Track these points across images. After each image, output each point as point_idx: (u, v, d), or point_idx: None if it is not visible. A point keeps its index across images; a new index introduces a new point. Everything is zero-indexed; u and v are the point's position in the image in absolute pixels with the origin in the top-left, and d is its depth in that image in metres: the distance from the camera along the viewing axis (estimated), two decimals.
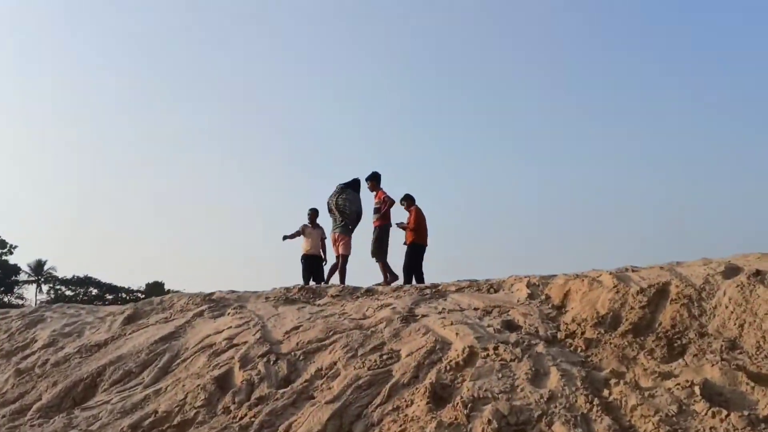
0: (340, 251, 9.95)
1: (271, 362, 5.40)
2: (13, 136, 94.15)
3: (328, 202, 10.18)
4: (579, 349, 4.89)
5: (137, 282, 65.23)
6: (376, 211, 9.81)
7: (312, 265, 10.31)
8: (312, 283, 9.74)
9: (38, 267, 58.37)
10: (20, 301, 55.68)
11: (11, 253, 54.47)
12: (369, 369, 4.90)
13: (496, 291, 6.90)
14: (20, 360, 6.92)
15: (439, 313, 5.90)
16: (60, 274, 58.60)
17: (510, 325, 5.43)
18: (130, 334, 6.93)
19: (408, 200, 10.40)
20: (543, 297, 6.13)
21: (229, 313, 7.07)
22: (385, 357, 5.06)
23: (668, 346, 4.74)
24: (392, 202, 9.74)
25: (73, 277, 57.99)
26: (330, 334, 5.75)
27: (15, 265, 55.04)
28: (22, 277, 57.26)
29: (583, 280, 5.90)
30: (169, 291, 59.69)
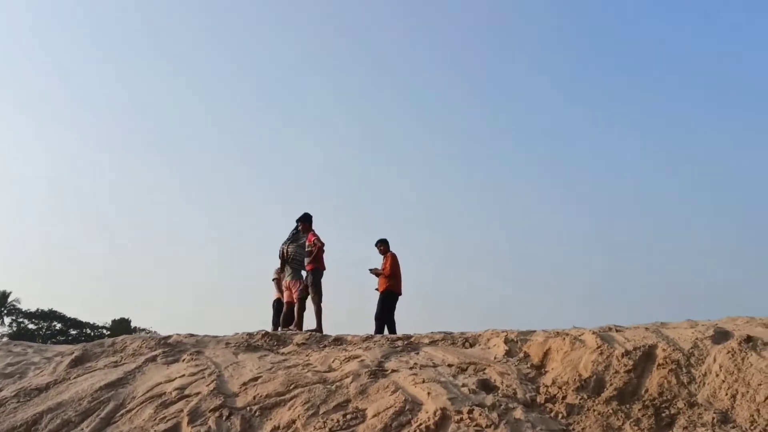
0: (295, 296, 9.52)
1: (224, 417, 4.91)
2: None
3: (281, 249, 9.76)
4: (560, 416, 4.49)
5: (103, 318, 63.42)
6: (308, 254, 9.46)
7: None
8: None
9: (2, 298, 56.56)
10: None
11: None
12: (330, 430, 4.44)
13: (471, 345, 6.51)
14: None
15: (411, 368, 5.48)
16: (24, 306, 56.83)
17: (486, 386, 5.02)
18: (74, 378, 6.37)
19: (383, 245, 10.06)
20: (521, 355, 5.75)
21: (184, 360, 6.56)
22: (349, 417, 4.60)
23: (656, 415, 4.37)
24: (322, 245, 9.39)
25: (37, 310, 56.27)
26: (291, 387, 5.28)
27: None
28: None
29: (564, 339, 5.54)
30: (135, 329, 58.30)
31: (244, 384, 5.54)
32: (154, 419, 5.08)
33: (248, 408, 5.05)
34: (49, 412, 5.53)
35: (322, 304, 9.29)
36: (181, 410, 5.12)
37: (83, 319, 56.76)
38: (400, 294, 9.84)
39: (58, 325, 56.56)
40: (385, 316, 9.67)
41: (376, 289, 9.74)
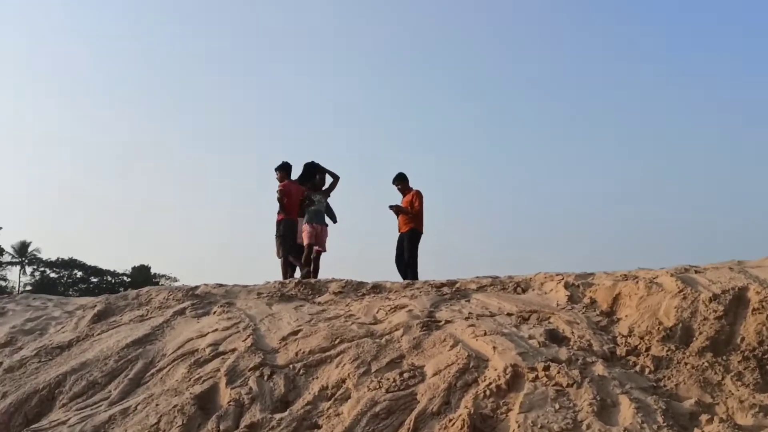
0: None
1: (265, 377, 4.43)
2: None
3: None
4: (647, 370, 3.96)
5: (123, 265, 63.97)
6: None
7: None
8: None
9: (22, 248, 57.08)
10: (2, 283, 54.48)
11: None
12: (387, 391, 3.94)
13: (524, 290, 5.97)
14: None
15: (466, 318, 4.96)
16: (44, 256, 57.32)
17: (555, 337, 4.49)
18: (98, 334, 5.94)
19: (403, 181, 9.43)
20: (586, 301, 5.20)
21: (215, 312, 6.09)
22: (406, 375, 4.10)
23: (759, 368, 3.82)
24: (279, 192, 9.01)
25: (58, 259, 56.81)
26: (336, 342, 4.79)
27: None
28: (6, 258, 56.00)
29: (637, 283, 4.97)
30: (155, 275, 58.79)
31: (284, 339, 5.06)
32: (189, 379, 4.63)
33: (291, 366, 4.57)
34: (73, 372, 5.10)
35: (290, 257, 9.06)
36: (218, 369, 4.65)
37: (103, 266, 57.20)
38: (423, 233, 9.33)
39: (79, 274, 57.14)
40: (413, 258, 9.16)
41: (400, 231, 9.16)
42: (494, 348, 4.18)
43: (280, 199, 8.96)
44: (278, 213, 9.09)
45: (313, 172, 9.32)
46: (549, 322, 4.77)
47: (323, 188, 9.33)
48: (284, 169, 9.24)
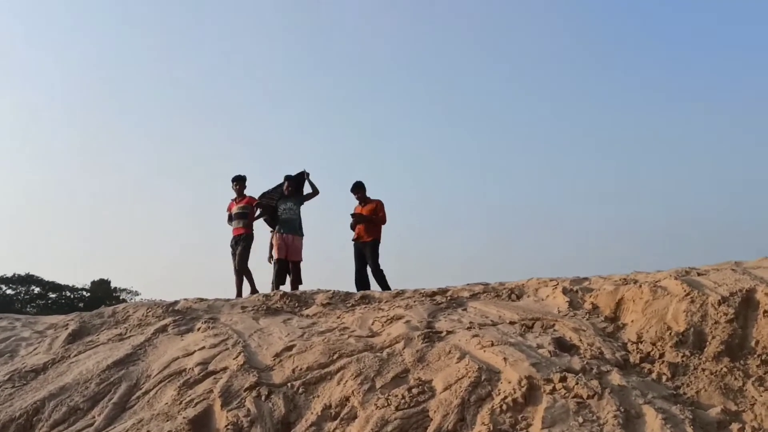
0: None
1: (263, 398, 4.18)
2: None
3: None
4: (664, 378, 3.84)
5: (81, 280, 62.14)
6: (244, 216, 8.91)
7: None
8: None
9: None
10: None
11: None
12: (397, 408, 3.74)
13: (518, 297, 5.85)
14: None
15: (468, 328, 4.79)
16: (0, 272, 55.30)
17: (563, 345, 4.35)
18: (75, 355, 5.59)
19: (363, 189, 9.20)
20: (587, 306, 5.09)
21: (199, 329, 5.79)
22: (414, 391, 3.90)
23: None
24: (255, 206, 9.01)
25: (14, 275, 54.71)
26: (334, 357, 4.56)
27: None
28: None
29: (641, 287, 4.87)
30: (116, 289, 57.13)
31: (277, 355, 4.81)
32: (179, 402, 4.34)
33: (289, 384, 4.33)
34: (52, 398, 4.76)
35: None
36: (210, 390, 4.37)
37: (61, 281, 55.47)
38: None
39: (37, 289, 55.09)
40: (379, 267, 8.96)
41: (359, 240, 8.91)
42: (505, 359, 4.01)
43: (249, 214, 8.74)
44: (240, 226, 8.78)
45: (302, 181, 9.06)
46: (554, 330, 4.63)
47: (302, 196, 9.06)
48: (244, 180, 8.96)
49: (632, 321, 4.64)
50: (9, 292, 54.56)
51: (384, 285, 8.42)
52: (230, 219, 8.88)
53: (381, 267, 8.80)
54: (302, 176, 9.05)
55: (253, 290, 8.45)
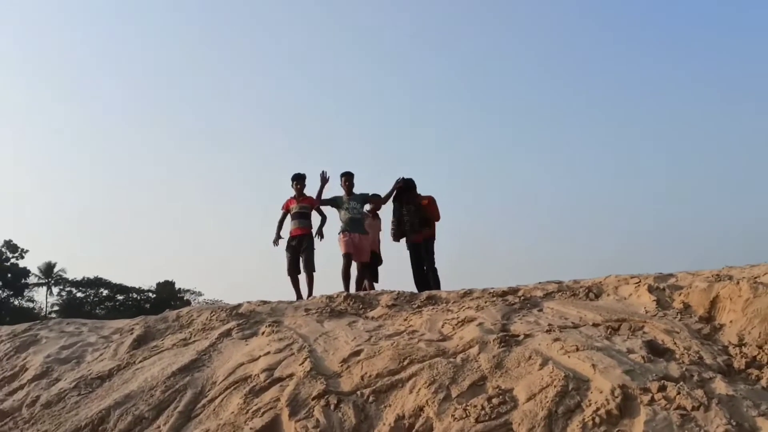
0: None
1: (332, 407, 3.96)
2: (17, 138, 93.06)
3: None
4: None
5: (147, 281, 64.08)
6: (306, 216, 8.71)
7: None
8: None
9: (48, 269, 57.36)
10: (30, 304, 54.78)
11: (22, 257, 53.78)
12: (477, 421, 3.45)
13: (597, 296, 5.46)
14: (4, 397, 5.52)
15: (548, 331, 4.45)
16: (70, 275, 57.54)
17: (656, 349, 3.97)
18: (140, 362, 5.52)
19: (414, 188, 8.90)
20: (678, 305, 4.67)
21: (263, 333, 5.64)
22: (495, 401, 3.60)
23: None
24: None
25: (83, 278, 56.98)
26: (405, 363, 4.30)
27: (25, 269, 54.19)
28: (32, 280, 56.30)
29: (738, 283, 4.43)
30: (180, 290, 58.76)
31: (344, 361, 4.58)
32: (245, 411, 4.17)
33: (358, 392, 4.10)
34: (117, 406, 4.66)
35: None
36: (277, 398, 4.19)
37: (128, 284, 57.27)
38: None
39: (105, 292, 57.29)
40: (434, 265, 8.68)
41: (414, 241, 8.64)
42: (593, 366, 3.67)
43: (310, 214, 8.62)
44: (303, 226, 8.62)
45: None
46: (644, 332, 4.25)
47: (369, 196, 8.82)
48: (304, 179, 8.79)
49: (731, 321, 4.21)
50: (79, 295, 56.88)
51: (438, 284, 8.16)
52: (290, 217, 8.70)
53: (435, 266, 8.55)
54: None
55: (311, 292, 8.27)
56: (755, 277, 4.49)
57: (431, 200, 8.76)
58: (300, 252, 8.44)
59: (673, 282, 5.19)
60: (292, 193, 8.77)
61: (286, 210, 8.73)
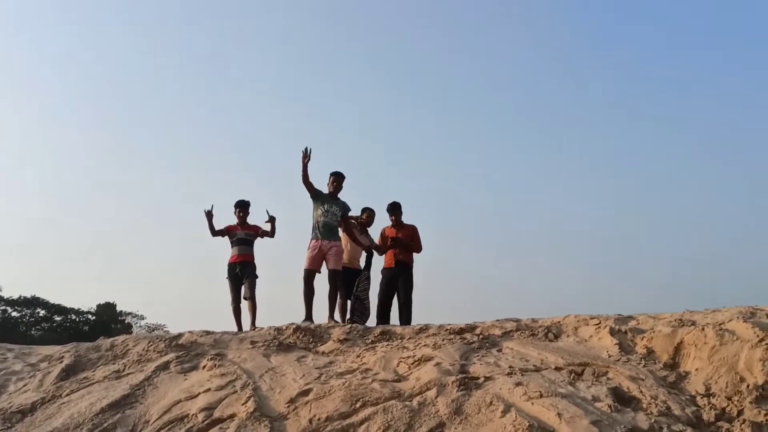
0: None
1: None
2: None
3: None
4: None
5: (87, 303, 61.69)
6: (250, 243, 8.37)
7: (350, 283, 8.14)
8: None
9: None
10: None
11: None
12: None
13: (556, 337, 5.29)
14: None
15: (509, 374, 4.22)
16: (5, 293, 54.94)
17: (621, 398, 3.78)
18: (67, 395, 5.06)
19: (401, 211, 8.62)
20: (641, 350, 4.52)
21: (204, 366, 5.25)
22: None
23: None
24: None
25: (20, 297, 54.35)
26: (357, 405, 4.00)
27: None
28: None
29: (703, 329, 4.30)
30: (121, 313, 56.70)
31: (291, 401, 4.25)
32: None
33: None
34: None
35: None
36: None
37: (67, 304, 54.98)
38: None
39: (42, 312, 54.73)
40: (411, 298, 8.38)
41: (389, 267, 8.30)
42: (559, 415, 3.45)
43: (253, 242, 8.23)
44: (248, 253, 8.22)
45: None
46: (609, 379, 4.07)
47: (348, 216, 8.18)
48: (248, 207, 8.41)
49: (697, 369, 4.07)
50: (14, 314, 54.27)
51: (410, 318, 7.86)
52: (232, 243, 8.24)
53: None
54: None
55: (254, 322, 7.78)
56: (720, 323, 4.37)
57: (415, 229, 8.50)
58: (243, 279, 8.02)
59: (634, 325, 5.05)
60: (234, 220, 8.35)
61: (228, 231, 8.29)
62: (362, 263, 8.42)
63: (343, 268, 7.81)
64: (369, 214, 8.51)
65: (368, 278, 8.15)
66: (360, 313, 7.91)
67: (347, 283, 7.95)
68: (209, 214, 8.11)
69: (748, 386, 3.66)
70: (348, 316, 7.92)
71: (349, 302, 8.07)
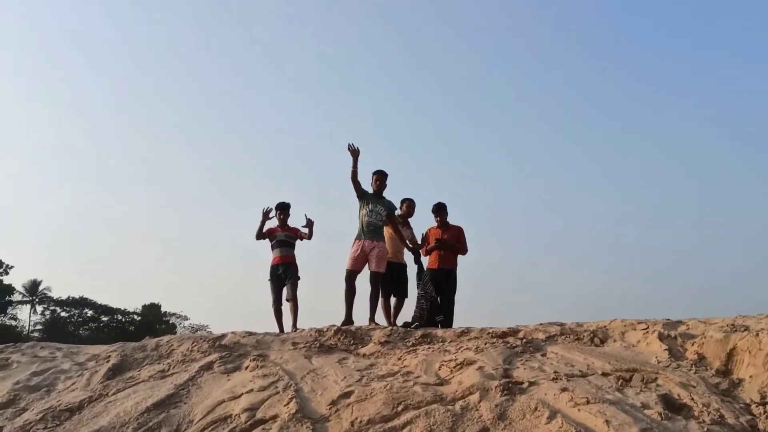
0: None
1: None
2: (6, 152, 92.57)
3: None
4: None
5: (133, 303, 63.18)
6: (291, 245, 8.33)
7: (395, 277, 8.00)
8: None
9: (33, 287, 56.48)
10: (13, 322, 53.77)
11: (7, 273, 52.68)
12: None
13: (602, 342, 5.16)
14: None
15: (554, 380, 4.13)
16: (55, 294, 56.66)
17: (672, 405, 3.67)
18: (114, 393, 5.14)
19: (446, 212, 8.45)
20: (692, 356, 4.37)
21: (247, 367, 5.29)
22: None
23: None
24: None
25: (68, 297, 56.12)
26: (399, 408, 3.97)
27: (9, 285, 53.19)
28: (16, 297, 55.34)
29: (757, 335, 4.14)
30: (165, 313, 57.97)
31: (333, 403, 4.24)
32: None
33: None
34: None
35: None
36: None
37: (113, 305, 56.42)
38: None
39: (90, 312, 56.39)
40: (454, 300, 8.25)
41: (434, 268, 8.11)
42: (607, 422, 3.35)
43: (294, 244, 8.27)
44: (289, 255, 8.22)
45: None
46: (658, 385, 3.95)
47: (394, 215, 8.02)
48: (289, 208, 8.42)
49: (751, 377, 3.92)
50: (63, 314, 55.94)
51: (451, 322, 7.76)
52: (273, 245, 8.26)
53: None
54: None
55: (295, 323, 7.80)
56: None
57: (461, 230, 8.36)
58: (285, 281, 8.04)
59: (684, 330, 4.90)
60: (275, 223, 8.41)
61: (269, 233, 8.34)
62: (407, 258, 8.31)
63: (388, 263, 7.76)
64: (408, 204, 8.40)
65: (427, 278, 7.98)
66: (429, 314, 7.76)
67: (391, 277, 7.86)
68: (266, 215, 8.20)
69: None
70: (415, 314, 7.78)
71: (393, 299, 8.00)
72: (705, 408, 3.55)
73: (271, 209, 8.22)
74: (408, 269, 8.33)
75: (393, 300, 8.09)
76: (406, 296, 8.16)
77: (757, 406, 3.59)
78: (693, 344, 4.48)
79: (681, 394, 3.76)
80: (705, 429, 3.29)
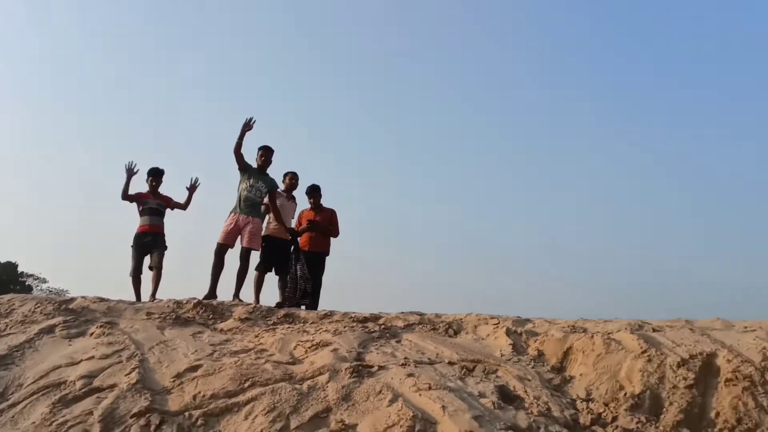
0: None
1: (152, 427, 3.50)
2: None
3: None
4: None
5: None
6: (161, 214, 8.13)
7: (278, 253, 7.85)
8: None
9: None
10: None
11: None
12: None
13: (456, 333, 5.38)
14: None
15: (403, 365, 4.23)
16: None
17: (507, 396, 3.86)
18: None
19: (320, 194, 8.51)
20: (533, 352, 4.63)
21: (92, 334, 5.02)
22: None
23: None
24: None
25: None
26: (246, 384, 3.92)
27: None
28: None
29: (592, 337, 4.45)
30: (22, 274, 53.92)
31: (178, 376, 4.12)
32: (49, 423, 3.59)
33: (187, 414, 3.65)
34: None
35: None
36: (90, 412, 3.65)
37: None
38: None
39: None
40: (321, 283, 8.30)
41: (304, 249, 8.12)
42: (443, 407, 3.48)
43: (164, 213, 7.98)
44: (159, 224, 7.92)
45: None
46: (497, 377, 4.14)
47: (275, 189, 7.91)
48: (162, 175, 8.12)
49: (581, 375, 4.20)
50: None
51: (316, 304, 7.79)
52: (142, 212, 7.88)
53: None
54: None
55: (155, 291, 7.50)
56: (609, 333, 4.53)
57: (334, 213, 8.41)
58: (151, 249, 7.71)
59: (530, 327, 5.18)
60: (144, 188, 8.04)
61: (139, 197, 7.94)
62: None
63: (271, 237, 7.70)
64: (291, 177, 8.32)
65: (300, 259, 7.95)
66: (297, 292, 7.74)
67: (273, 253, 7.78)
68: (130, 171, 7.76)
69: (625, 394, 3.81)
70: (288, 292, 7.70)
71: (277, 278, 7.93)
72: (535, 400, 3.76)
73: (132, 166, 7.78)
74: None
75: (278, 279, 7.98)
76: (288, 273, 8.08)
77: (581, 402, 3.85)
78: (535, 341, 4.75)
79: (516, 386, 3.96)
80: (531, 419, 3.48)
